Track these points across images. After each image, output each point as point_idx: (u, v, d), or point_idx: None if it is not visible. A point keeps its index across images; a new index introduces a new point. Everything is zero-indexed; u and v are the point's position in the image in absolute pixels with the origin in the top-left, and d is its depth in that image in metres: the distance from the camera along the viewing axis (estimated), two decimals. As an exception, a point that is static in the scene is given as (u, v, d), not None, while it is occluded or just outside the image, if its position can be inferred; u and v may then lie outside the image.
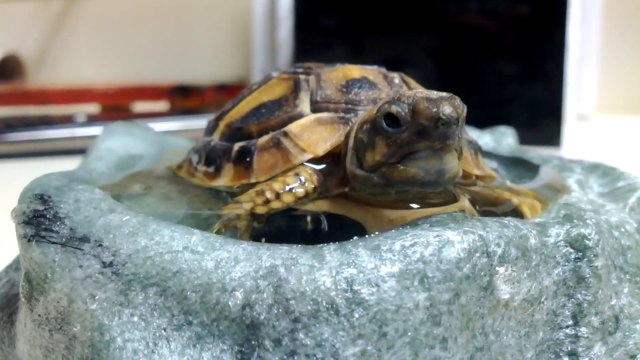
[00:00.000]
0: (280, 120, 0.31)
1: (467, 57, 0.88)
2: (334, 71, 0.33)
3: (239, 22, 1.21)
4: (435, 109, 0.23)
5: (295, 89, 0.32)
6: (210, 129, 0.35)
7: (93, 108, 1.03)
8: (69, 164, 0.44)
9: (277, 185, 0.28)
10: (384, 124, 0.25)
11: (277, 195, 0.27)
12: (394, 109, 0.24)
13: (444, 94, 0.24)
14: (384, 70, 0.34)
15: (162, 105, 1.07)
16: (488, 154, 0.41)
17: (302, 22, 0.95)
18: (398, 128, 0.24)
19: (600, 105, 1.09)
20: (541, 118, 0.84)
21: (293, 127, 0.30)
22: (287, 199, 0.28)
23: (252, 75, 1.10)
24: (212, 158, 0.32)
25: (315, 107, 0.31)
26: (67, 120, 0.89)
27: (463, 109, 0.24)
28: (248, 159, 0.30)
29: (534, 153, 0.43)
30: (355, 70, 0.33)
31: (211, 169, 0.32)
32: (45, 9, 1.34)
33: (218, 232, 0.27)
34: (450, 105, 0.24)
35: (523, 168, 0.40)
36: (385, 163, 0.25)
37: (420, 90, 0.25)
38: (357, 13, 0.92)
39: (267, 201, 0.27)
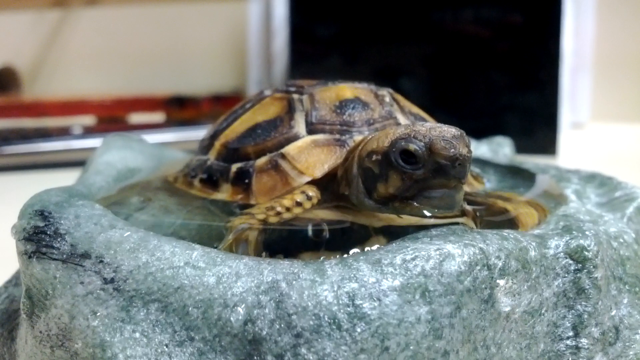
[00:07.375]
0: (277, 141, 0.31)
1: (461, 66, 0.89)
2: (327, 91, 0.33)
3: (235, 32, 1.21)
4: (452, 150, 0.24)
5: (290, 110, 0.32)
6: (205, 148, 0.35)
7: (89, 120, 1.03)
8: (66, 177, 0.44)
9: (287, 202, 0.28)
10: (400, 160, 0.25)
11: (287, 209, 0.28)
12: (412, 147, 0.25)
13: (454, 130, 0.25)
14: (374, 87, 0.35)
15: (158, 117, 1.07)
16: (485, 163, 0.41)
17: (297, 32, 0.95)
18: (414, 165, 0.25)
19: (595, 113, 1.10)
20: (536, 126, 0.85)
21: (290, 150, 0.30)
22: (297, 210, 0.28)
23: (248, 86, 1.10)
24: (209, 177, 0.32)
25: (311, 129, 0.31)
26: (63, 133, 0.89)
27: (470, 145, 0.25)
28: (247, 181, 0.30)
29: (531, 163, 0.43)
30: (347, 90, 0.33)
31: (208, 187, 0.32)
32: (41, 21, 1.34)
33: (230, 245, 0.27)
34: (465, 145, 0.24)
35: (520, 177, 0.40)
36: (397, 197, 0.26)
37: (431, 125, 0.26)
38: (352, 23, 0.93)
39: (279, 213, 0.28)
